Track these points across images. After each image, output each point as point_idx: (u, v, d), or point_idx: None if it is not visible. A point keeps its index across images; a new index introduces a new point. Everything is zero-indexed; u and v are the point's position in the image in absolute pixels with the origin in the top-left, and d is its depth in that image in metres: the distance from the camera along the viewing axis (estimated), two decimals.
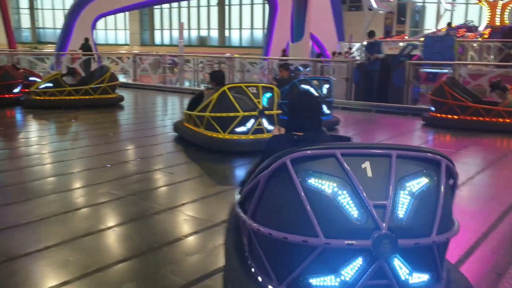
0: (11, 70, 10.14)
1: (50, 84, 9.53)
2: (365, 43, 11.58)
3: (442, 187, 2.05)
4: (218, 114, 5.88)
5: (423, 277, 1.99)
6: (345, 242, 1.87)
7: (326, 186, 1.92)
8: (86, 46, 17.18)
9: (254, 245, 2.13)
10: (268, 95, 6.10)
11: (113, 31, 38.25)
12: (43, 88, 9.51)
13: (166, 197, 4.42)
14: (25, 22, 36.97)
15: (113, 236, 3.35)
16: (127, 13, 34.64)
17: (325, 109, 7.71)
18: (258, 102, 5.93)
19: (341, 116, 9.65)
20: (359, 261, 1.91)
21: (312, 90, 7.51)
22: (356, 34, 20.56)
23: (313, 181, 1.93)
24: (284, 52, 17.65)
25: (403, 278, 1.94)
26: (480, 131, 7.51)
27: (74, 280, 2.65)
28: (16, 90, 9.85)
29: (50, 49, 23.91)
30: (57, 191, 4.36)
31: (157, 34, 38.59)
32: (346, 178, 1.92)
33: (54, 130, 8.01)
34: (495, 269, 2.84)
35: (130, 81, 14.87)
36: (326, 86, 7.94)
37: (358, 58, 12.94)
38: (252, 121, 5.89)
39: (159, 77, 15.30)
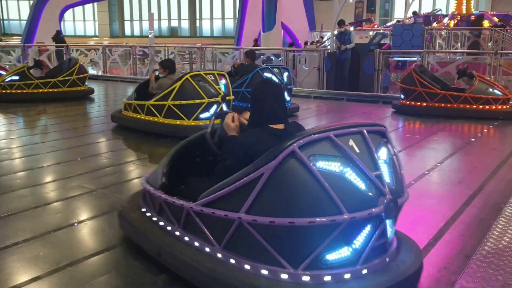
0: None
1: (17, 77, 9.27)
2: (335, 32, 11.64)
3: (394, 152, 2.35)
4: (184, 102, 6.02)
5: (393, 231, 2.32)
6: (367, 212, 2.07)
7: (333, 166, 2.07)
8: (58, 39, 16.84)
9: (242, 237, 2.18)
10: (224, 81, 6.34)
11: (82, 22, 37.40)
12: (9, 81, 9.25)
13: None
14: None
15: (85, 230, 3.30)
16: (95, 3, 33.91)
17: (286, 96, 7.95)
18: (219, 88, 6.17)
19: (313, 105, 9.75)
20: (368, 228, 2.13)
21: (274, 78, 7.81)
22: (327, 23, 20.68)
23: (321, 164, 2.06)
24: (256, 42, 17.61)
25: (389, 235, 2.25)
26: (448, 118, 7.69)
27: (45, 275, 2.61)
28: None
29: (16, 41, 23.23)
30: (27, 186, 4.27)
31: (127, 25, 37.91)
32: (346, 156, 2.10)
33: (23, 124, 7.82)
34: (463, 251, 2.92)
35: (100, 73, 14.60)
36: (286, 74, 8.26)
37: (329, 47, 13.01)
38: (214, 107, 6.09)
39: (130, 69, 15.08)
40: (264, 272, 2.13)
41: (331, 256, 2.09)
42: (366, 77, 10.97)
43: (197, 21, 35.96)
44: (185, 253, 2.42)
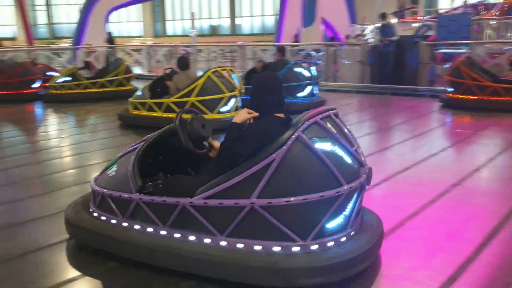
0: (30, 65, 10.28)
1: (68, 78, 9.65)
2: (378, 25, 11.40)
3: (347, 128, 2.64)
4: (208, 97, 6.39)
5: None
6: (359, 181, 2.45)
7: (327, 145, 2.39)
8: (110, 40, 17.66)
9: (250, 221, 2.36)
10: (234, 76, 6.79)
11: (127, 23, 38.34)
12: (61, 82, 9.64)
13: None
14: (41, 18, 37.25)
15: None
16: (140, 4, 34.65)
17: (315, 90, 8.26)
18: (234, 83, 6.66)
19: (355, 100, 9.60)
20: (354, 196, 2.48)
21: (305, 72, 8.02)
22: (369, 16, 20.26)
23: (319, 145, 2.37)
24: (296, 38, 17.48)
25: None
26: (499, 111, 7.38)
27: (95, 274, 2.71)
28: (35, 85, 9.99)
29: (66, 43, 24.12)
30: (78, 183, 4.43)
31: (169, 25, 38.58)
32: (332, 136, 2.43)
33: (73, 123, 8.12)
34: None
35: (145, 73, 14.95)
36: (314, 68, 8.37)
37: (371, 40, 12.76)
38: (233, 100, 6.62)
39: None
40: (276, 248, 2.34)
41: (330, 225, 2.40)
42: (410, 70, 10.69)
43: (237, 19, 36.12)
44: (186, 249, 2.47)
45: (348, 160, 2.46)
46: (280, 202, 2.29)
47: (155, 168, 2.93)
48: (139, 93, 7.19)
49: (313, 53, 12.76)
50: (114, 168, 3.00)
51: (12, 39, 32.28)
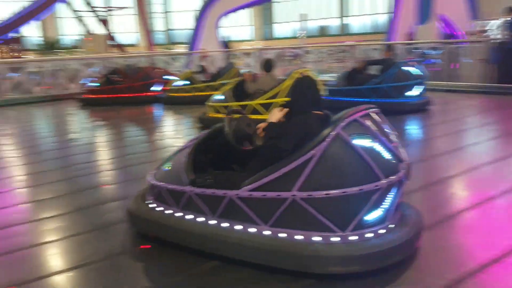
0: (151, 70, 11.09)
1: (186, 82, 10.23)
2: (503, 19, 10.43)
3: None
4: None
5: None
6: (397, 176, 2.59)
7: (366, 142, 2.55)
8: (226, 44, 18.59)
9: (293, 212, 2.55)
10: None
11: (237, 27, 39.61)
12: (179, 85, 10.25)
13: None
14: (159, 25, 40.00)
15: None
16: (250, 8, 35.61)
17: (422, 90, 7.81)
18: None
19: (476, 101, 8.88)
20: (393, 191, 2.61)
21: (414, 71, 7.71)
22: (491, 11, 18.66)
23: (358, 141, 2.53)
24: (410, 36, 16.71)
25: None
26: None
27: None
28: (155, 88, 10.75)
29: (181, 48, 25.61)
30: None
31: (277, 27, 39.10)
32: (371, 133, 2.58)
33: (189, 124, 8.57)
34: None
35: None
36: (422, 67, 8.02)
37: (496, 36, 11.72)
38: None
39: (282, 70, 15.51)
40: (317, 238, 2.53)
41: (369, 217, 2.56)
42: None
43: (346, 19, 35.49)
44: (234, 236, 2.70)
45: (387, 155, 2.61)
46: (320, 195, 2.48)
47: (205, 164, 3.15)
48: (219, 96, 7.34)
49: (429, 51, 12.08)
50: (169, 163, 3.24)
51: (135, 45, 35.09)
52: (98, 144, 7.16)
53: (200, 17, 20.64)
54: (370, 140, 2.56)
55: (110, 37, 24.39)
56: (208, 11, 20.73)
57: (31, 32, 31.67)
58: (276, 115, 2.91)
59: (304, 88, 2.84)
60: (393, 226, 2.66)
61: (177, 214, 3.03)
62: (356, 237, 2.52)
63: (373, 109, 2.74)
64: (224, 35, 19.91)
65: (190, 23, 22.16)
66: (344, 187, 2.45)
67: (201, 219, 2.90)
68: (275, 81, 6.72)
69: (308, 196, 2.49)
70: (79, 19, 25.49)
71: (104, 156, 6.34)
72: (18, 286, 2.71)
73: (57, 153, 6.54)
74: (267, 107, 6.52)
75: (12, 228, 3.66)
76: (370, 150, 2.53)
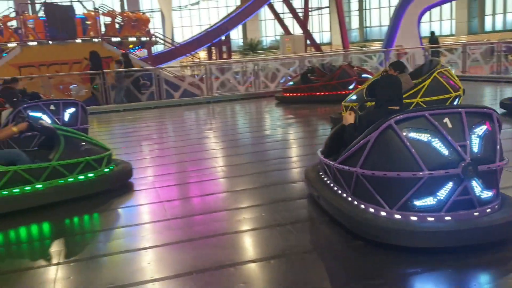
0: (348, 68, 10.98)
1: None
2: None
3: (496, 130, 2.98)
4: (434, 98, 6.49)
5: (489, 193, 2.97)
6: (443, 171, 2.82)
7: (423, 136, 2.88)
8: (433, 39, 17.66)
9: (360, 185, 3.15)
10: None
11: (438, 22, 36.96)
12: None
13: None
14: (355, 23, 39.83)
15: None
16: (453, 2, 32.84)
17: None
18: (458, 83, 6.96)
19: None
20: (450, 185, 2.85)
21: None
22: None
23: (413, 134, 2.88)
24: None
25: (478, 194, 2.91)
26: None
27: None
28: (350, 87, 10.61)
29: (377, 46, 24.97)
30: None
31: (487, 20, 35.16)
32: (435, 129, 2.87)
33: None
34: None
35: (459, 73, 13.96)
36: None
37: None
38: (456, 100, 6.80)
39: (491, 67, 13.81)
40: (371, 210, 3.07)
41: (418, 203, 2.89)
42: None
43: None
44: (334, 199, 3.46)
45: (445, 152, 2.84)
46: (366, 172, 3.06)
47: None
48: (353, 97, 7.26)
49: None
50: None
51: (330, 44, 35.60)
52: (292, 141, 7.35)
53: (399, 13, 19.77)
54: (428, 135, 2.86)
55: (308, 36, 25.14)
56: (408, 6, 19.71)
57: (235, 34, 34.74)
58: (348, 118, 3.64)
59: (383, 86, 3.43)
60: (449, 218, 2.86)
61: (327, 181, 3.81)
62: (399, 216, 2.93)
63: (479, 109, 3.02)
64: (432, 30, 18.91)
65: (387, 20, 21.40)
66: (385, 171, 2.92)
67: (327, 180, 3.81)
68: (407, 82, 6.51)
69: (362, 174, 3.08)
70: (280, 20, 26.90)
71: (296, 152, 6.46)
72: (214, 269, 2.87)
73: (253, 147, 6.93)
74: (406, 107, 6.12)
75: (213, 214, 3.94)
76: (423, 144, 2.85)
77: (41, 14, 21.12)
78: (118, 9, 33.14)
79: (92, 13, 19.88)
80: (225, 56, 25.02)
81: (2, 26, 19.74)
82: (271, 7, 26.07)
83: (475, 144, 2.90)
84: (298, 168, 5.43)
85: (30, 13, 23.41)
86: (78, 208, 4.34)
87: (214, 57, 25.66)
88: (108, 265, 3.09)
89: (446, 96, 6.59)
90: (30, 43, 16.89)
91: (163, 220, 3.85)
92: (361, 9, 39.37)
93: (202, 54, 27.39)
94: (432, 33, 18.73)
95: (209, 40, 24.59)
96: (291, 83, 11.74)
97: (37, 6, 24.35)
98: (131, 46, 21.45)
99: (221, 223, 3.71)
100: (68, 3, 20.78)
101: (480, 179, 2.89)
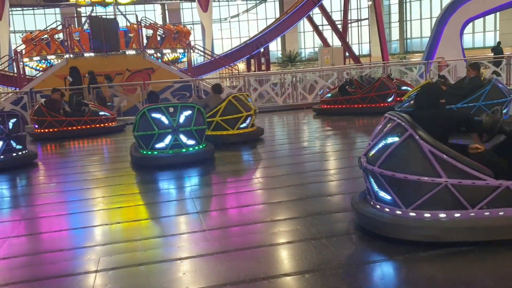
0: (387, 80, 10.83)
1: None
2: None
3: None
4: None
5: None
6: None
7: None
8: (498, 50, 17.34)
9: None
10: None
11: (481, 33, 35.94)
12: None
13: None
14: (395, 34, 39.28)
15: None
16: (497, 13, 31.89)
17: None
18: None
19: None
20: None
21: None
22: None
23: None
24: None
25: None
26: None
27: None
28: (389, 99, 10.45)
29: (417, 58, 24.51)
30: None
31: None
32: None
33: None
34: None
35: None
36: None
37: None
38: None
39: None
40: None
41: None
42: None
43: None
44: None
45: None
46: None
47: None
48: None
49: None
50: None
51: (368, 55, 35.20)
52: (329, 153, 7.29)
53: (441, 24, 19.37)
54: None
55: (347, 48, 24.99)
56: (450, 17, 19.30)
57: (274, 46, 34.90)
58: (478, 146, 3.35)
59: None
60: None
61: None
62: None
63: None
64: (498, 41, 18.56)
65: (428, 31, 21.00)
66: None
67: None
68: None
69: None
70: (318, 32, 26.87)
71: (334, 165, 6.39)
72: (248, 282, 2.86)
73: (291, 159, 6.91)
74: None
75: (249, 226, 3.94)
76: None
77: (86, 27, 21.94)
78: (160, 22, 34.03)
79: (135, 26, 20.48)
80: (263, 67, 25.19)
81: (49, 38, 20.62)
82: (310, 19, 26.11)
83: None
84: (335, 181, 5.38)
85: (76, 26, 24.32)
86: (117, 216, 4.44)
87: (252, 68, 25.87)
88: (144, 274, 3.14)
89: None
90: (76, 55, 17.51)
91: (199, 231, 3.88)
92: (401, 20, 38.80)
93: (241, 65, 27.66)
94: (499, 43, 18.17)
95: (248, 52, 24.83)
96: (329, 95, 11.69)
97: (83, 19, 25.33)
98: (171, 58, 21.94)
99: (256, 235, 3.71)
100: (112, 16, 21.46)
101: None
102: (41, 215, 4.75)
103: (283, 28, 25.07)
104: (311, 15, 25.88)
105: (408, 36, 38.85)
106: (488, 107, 6.97)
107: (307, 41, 39.54)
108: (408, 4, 37.96)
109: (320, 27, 27.70)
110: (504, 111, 7.23)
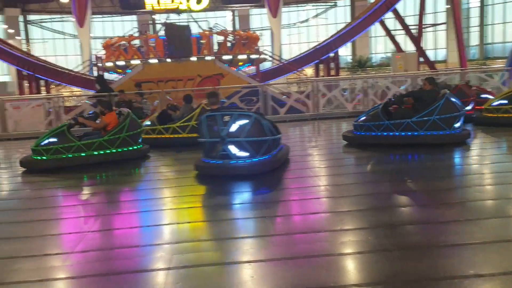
0: (465, 88, 10.28)
1: (504, 101, 9.03)
2: None
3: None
4: None
5: None
6: None
7: None
8: None
9: None
10: None
11: None
12: (496, 105, 9.14)
13: None
14: (474, 39, 37.37)
15: None
16: None
17: None
18: None
19: None
20: None
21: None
22: None
23: None
24: None
25: None
26: None
27: None
28: (468, 108, 9.90)
29: (499, 64, 23.14)
30: (497, 216, 4.06)
31: None
32: None
33: (504, 150, 7.52)
34: None
35: None
36: None
37: None
38: None
39: None
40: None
41: None
42: None
43: None
44: None
45: None
46: None
47: None
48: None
49: None
50: None
51: (444, 61, 33.71)
52: None
53: None
54: None
55: (421, 54, 24.10)
56: None
57: (344, 51, 34.39)
58: None
59: None
60: None
61: None
62: None
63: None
64: None
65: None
66: None
67: None
68: None
69: None
70: (391, 37, 26.16)
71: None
72: None
73: (359, 168, 6.76)
74: None
75: (317, 234, 3.88)
76: None
77: (161, 33, 22.85)
78: (230, 28, 34.69)
79: (207, 32, 21.02)
80: (332, 72, 24.91)
81: (127, 44, 21.69)
82: (383, 23, 25.48)
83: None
84: (406, 192, 5.17)
85: (152, 33, 25.41)
86: (186, 216, 4.56)
87: (321, 73, 25.66)
88: (214, 275, 3.18)
89: None
90: (151, 61, 18.28)
91: (266, 235, 3.88)
92: (482, 25, 36.84)
93: (309, 70, 27.53)
94: None
95: (317, 57, 24.68)
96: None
97: (157, 26, 26.39)
98: (240, 63, 22.28)
99: (324, 244, 3.64)
100: (186, 23, 22.19)
101: None
102: (114, 212, 4.99)
103: (354, 33, 24.68)
104: (384, 20, 25.25)
105: (489, 41, 36.80)
106: (441, 121, 7.16)
107: (378, 46, 38.63)
108: (489, 7, 35.98)
109: (393, 32, 26.93)
110: (458, 124, 7.34)
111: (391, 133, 7.49)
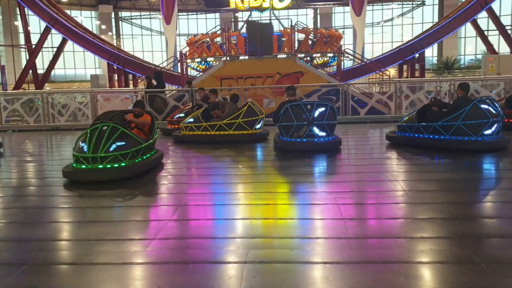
0: None
1: None
2: None
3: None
4: None
5: None
6: None
7: None
8: None
9: None
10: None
11: None
12: None
13: None
14: None
15: None
16: None
17: None
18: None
19: None
20: None
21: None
22: None
23: None
24: None
25: None
26: None
27: None
28: None
29: None
30: None
31: None
32: None
33: None
34: None
35: None
36: None
37: None
38: None
39: None
40: None
41: None
42: None
43: None
44: None
45: None
46: None
47: None
48: None
49: None
50: None
51: None
52: (491, 171, 6.59)
53: None
54: None
55: None
56: None
57: (429, 52, 32.87)
58: None
59: None
60: None
61: None
62: None
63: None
64: None
65: None
66: None
67: None
68: None
69: None
70: (484, 37, 24.61)
71: (495, 184, 5.76)
72: None
73: (442, 174, 6.42)
74: None
75: (395, 240, 3.74)
76: None
77: (243, 31, 23.24)
78: (311, 26, 34.47)
79: (288, 30, 21.05)
80: (417, 74, 23.94)
81: (210, 41, 22.30)
82: (475, 23, 24.04)
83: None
84: (496, 203, 4.84)
85: (233, 30, 25.93)
86: (263, 213, 4.61)
87: (405, 74, 24.76)
88: (290, 272, 3.18)
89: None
90: (231, 58, 18.64)
91: (344, 237, 3.81)
92: None
93: (391, 71, 26.67)
94: None
95: (401, 57, 23.86)
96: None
97: (239, 24, 26.87)
98: (320, 62, 22.07)
99: (403, 250, 3.51)
100: (268, 21, 22.39)
101: None
102: (192, 203, 5.15)
103: (442, 33, 23.55)
104: (476, 19, 23.81)
105: None
106: (467, 127, 7.15)
107: (467, 47, 36.53)
108: None
109: (486, 32, 25.31)
110: (489, 131, 7.18)
111: (421, 135, 7.74)
